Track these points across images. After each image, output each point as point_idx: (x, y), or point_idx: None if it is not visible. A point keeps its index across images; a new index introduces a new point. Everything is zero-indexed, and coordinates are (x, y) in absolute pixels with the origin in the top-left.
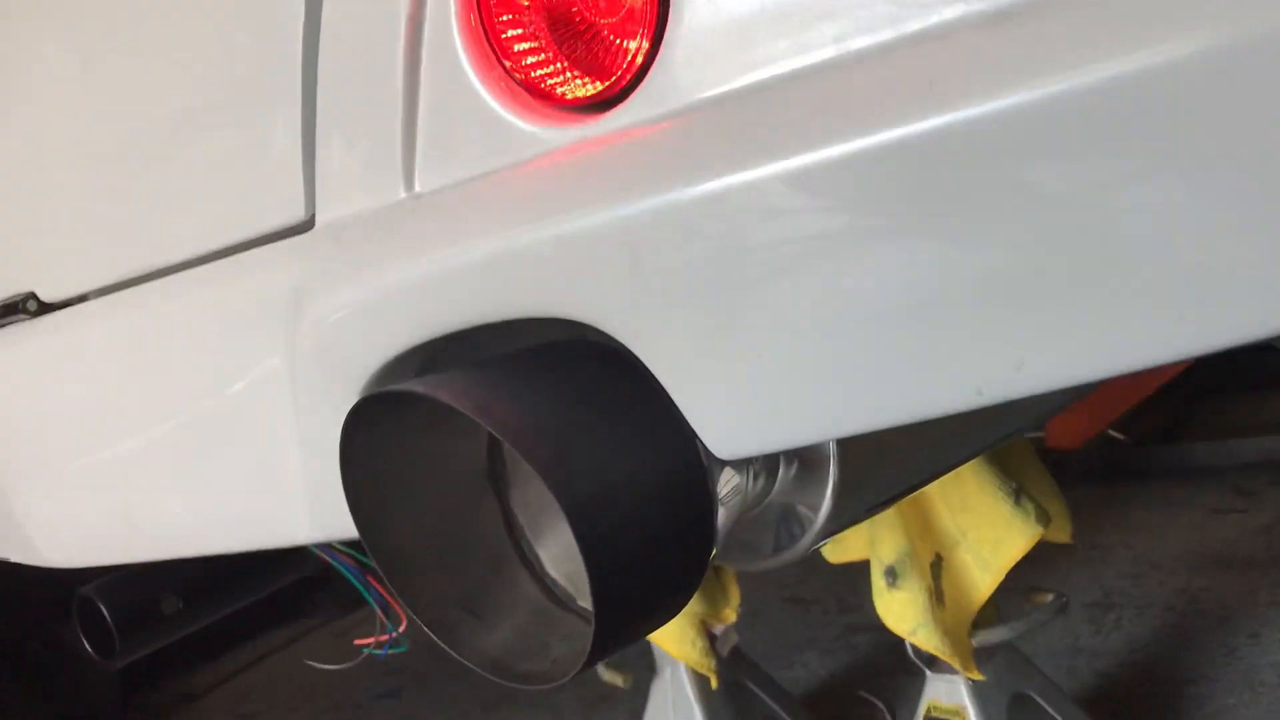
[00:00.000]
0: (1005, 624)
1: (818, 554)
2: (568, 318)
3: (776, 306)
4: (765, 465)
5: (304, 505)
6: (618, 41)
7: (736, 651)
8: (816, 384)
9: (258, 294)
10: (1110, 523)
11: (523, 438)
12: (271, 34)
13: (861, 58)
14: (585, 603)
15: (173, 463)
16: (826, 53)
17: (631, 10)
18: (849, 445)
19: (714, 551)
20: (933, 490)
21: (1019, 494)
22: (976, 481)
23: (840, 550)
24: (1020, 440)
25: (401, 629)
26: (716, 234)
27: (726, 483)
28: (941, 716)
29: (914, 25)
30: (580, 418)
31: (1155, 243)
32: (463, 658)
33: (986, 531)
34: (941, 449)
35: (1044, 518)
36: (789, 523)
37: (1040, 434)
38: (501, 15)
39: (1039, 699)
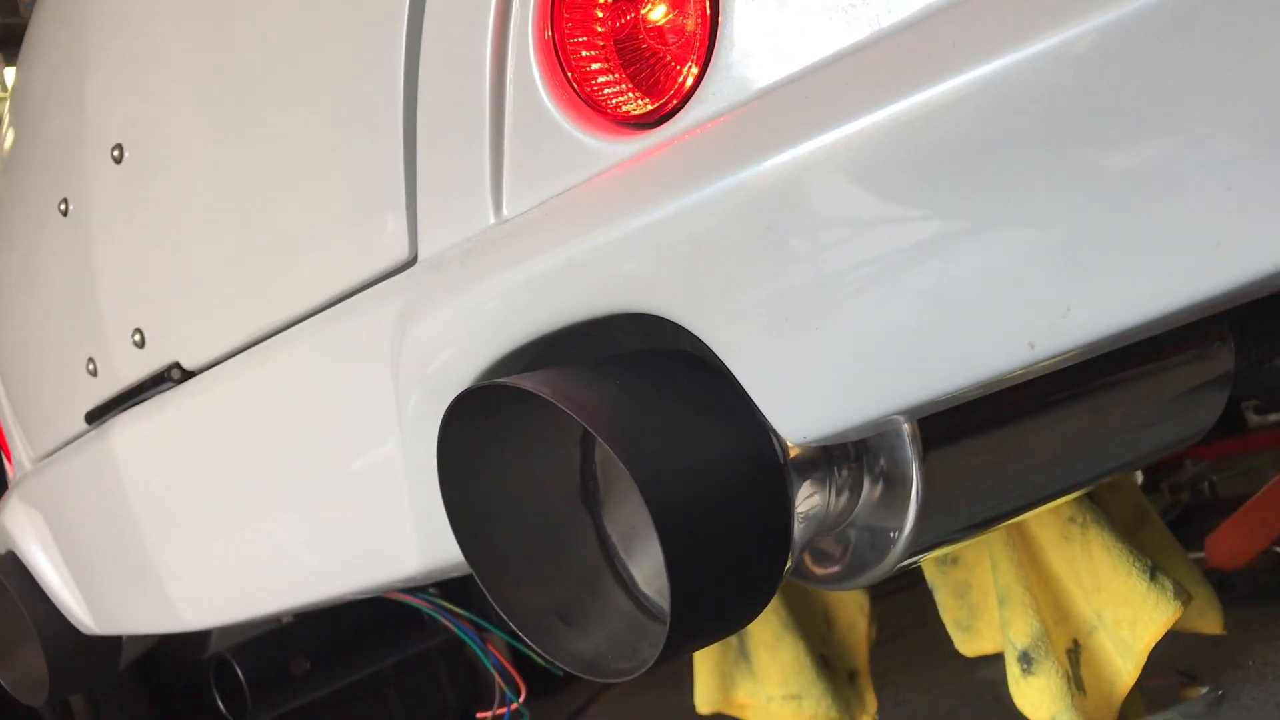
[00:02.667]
0: (1155, 715)
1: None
2: (637, 310)
3: (828, 283)
4: (849, 483)
5: (412, 536)
6: (675, 65)
7: None
8: (875, 356)
9: (367, 331)
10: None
11: (605, 424)
12: (376, 81)
13: (890, 33)
14: None
15: (297, 510)
16: (862, 34)
17: (688, 38)
18: (933, 464)
19: (790, 562)
20: (1064, 572)
21: (1155, 570)
22: (1109, 560)
23: (974, 642)
24: (1157, 524)
25: (521, 699)
26: (763, 216)
27: (807, 498)
28: None
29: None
30: (661, 411)
31: (1178, 176)
32: (555, 660)
33: (1124, 611)
34: (1033, 472)
35: (1183, 594)
36: (873, 543)
37: (1201, 554)
38: (575, 36)
39: None
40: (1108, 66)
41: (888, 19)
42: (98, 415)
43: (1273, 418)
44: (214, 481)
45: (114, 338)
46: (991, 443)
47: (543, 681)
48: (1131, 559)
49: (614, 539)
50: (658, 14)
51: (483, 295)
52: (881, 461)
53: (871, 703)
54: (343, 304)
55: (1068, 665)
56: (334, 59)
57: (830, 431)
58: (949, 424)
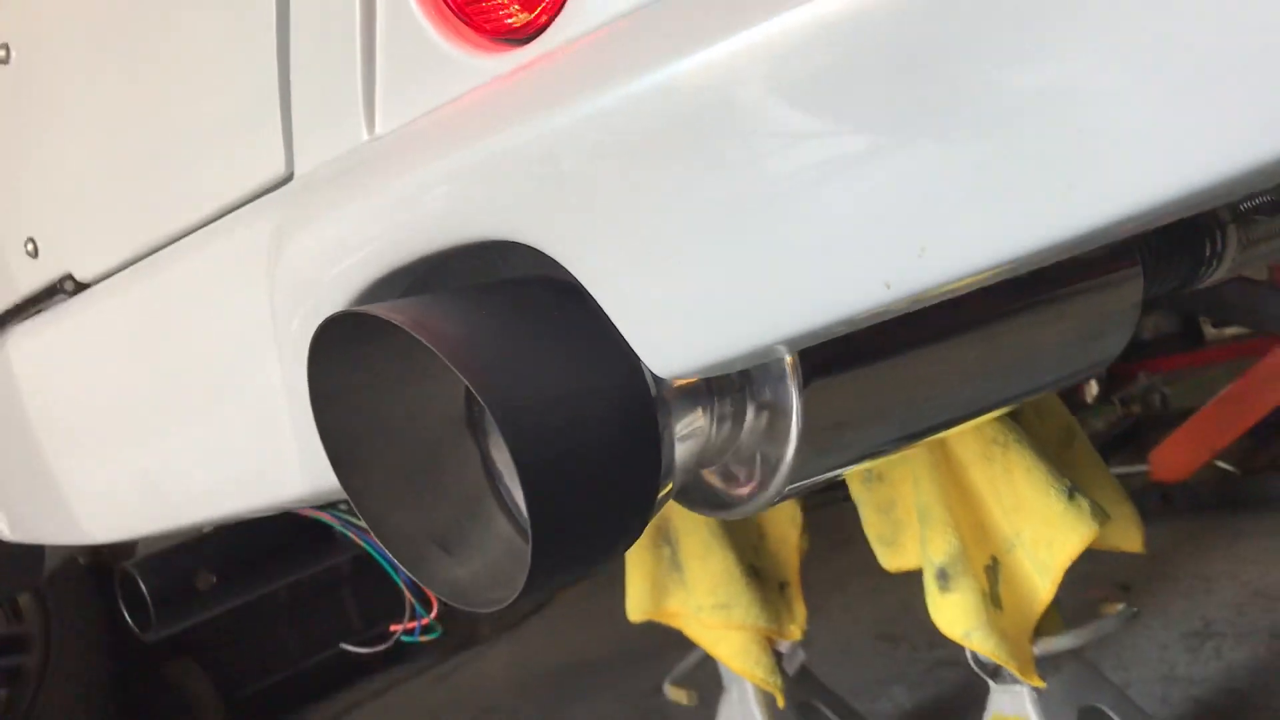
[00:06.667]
0: (1070, 632)
1: (911, 591)
2: (501, 238)
3: (690, 215)
4: (732, 410)
5: (296, 459)
6: None
7: (805, 671)
8: (736, 292)
9: (244, 249)
10: (1217, 554)
11: (460, 354)
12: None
13: None
14: None
15: (186, 429)
16: None
17: None
18: (813, 393)
19: (666, 489)
20: (985, 491)
21: (1073, 491)
22: (1029, 480)
23: (899, 558)
24: (1083, 445)
25: (433, 615)
26: (630, 140)
27: (689, 421)
28: None
29: None
30: (524, 341)
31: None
32: (430, 588)
33: (1042, 531)
34: (923, 401)
35: (1100, 515)
36: (758, 471)
37: (1145, 466)
38: None
39: (1111, 713)
40: None
41: None
42: None
43: (1229, 332)
44: (106, 398)
45: (7, 246)
46: (877, 372)
47: None
48: (1051, 479)
49: (499, 465)
50: None
51: (353, 215)
52: (765, 390)
53: (801, 613)
54: (221, 220)
55: (985, 583)
56: None
57: (696, 367)
58: (831, 353)
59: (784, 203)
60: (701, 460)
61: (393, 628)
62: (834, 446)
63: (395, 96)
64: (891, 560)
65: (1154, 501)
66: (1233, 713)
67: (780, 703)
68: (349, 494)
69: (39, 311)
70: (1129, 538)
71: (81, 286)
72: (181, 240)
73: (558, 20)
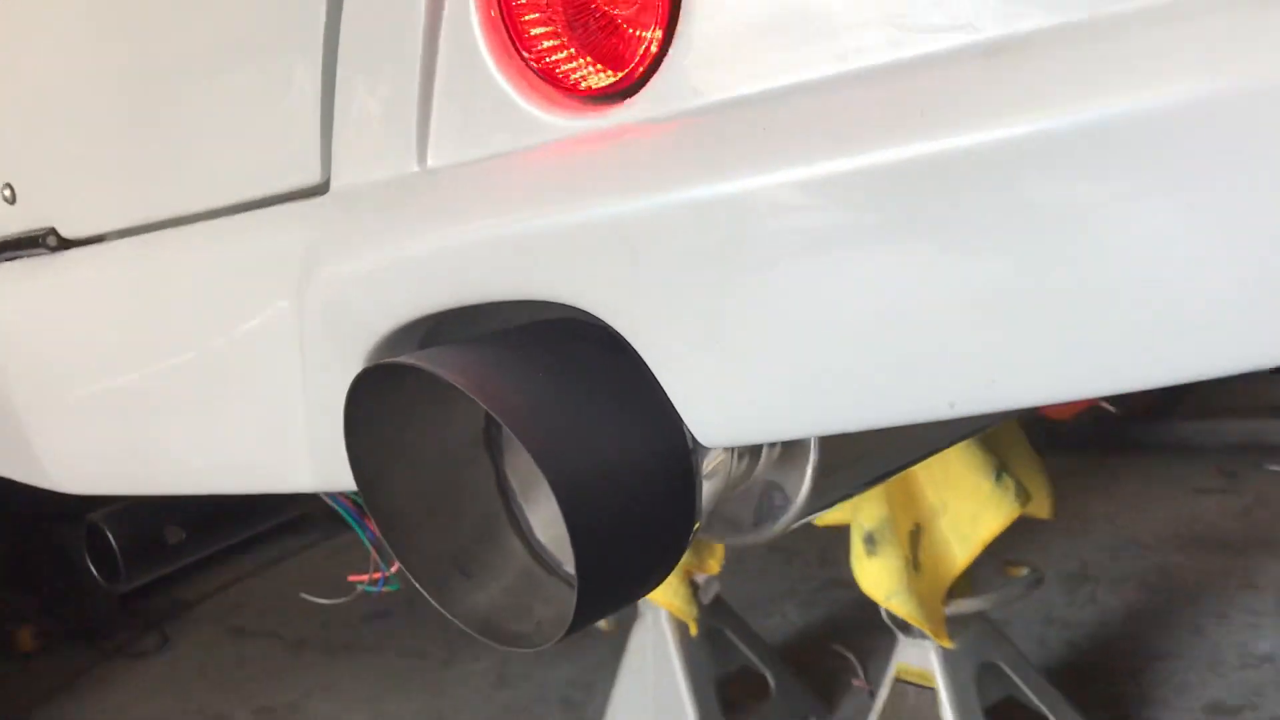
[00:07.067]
0: (979, 595)
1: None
2: (568, 303)
3: (765, 311)
4: (750, 446)
5: (306, 456)
6: (633, 32)
7: (718, 601)
8: (798, 386)
9: (273, 254)
10: (1096, 495)
11: (514, 415)
12: None
13: (862, 77)
14: (571, 569)
15: (182, 405)
16: (829, 69)
17: (645, 3)
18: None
19: (697, 527)
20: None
21: (1001, 472)
22: (960, 458)
23: (828, 513)
24: (1008, 422)
25: (394, 569)
26: (711, 237)
27: (712, 460)
28: (910, 680)
29: (912, 52)
30: (571, 397)
31: (1125, 275)
32: (453, 615)
33: (966, 505)
34: (925, 436)
35: (1024, 496)
36: (771, 500)
37: None
38: (526, 13)
39: (1006, 669)
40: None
41: (860, 59)
42: None
43: None
44: (88, 360)
45: None
46: None
47: None
48: (982, 459)
49: (513, 484)
50: None
51: (403, 254)
52: None
53: (720, 549)
54: (247, 215)
55: (908, 549)
56: None
57: (744, 441)
58: None
59: (871, 322)
60: (723, 495)
61: (350, 578)
62: (840, 482)
63: (452, 132)
64: (820, 517)
65: (1040, 438)
66: (1103, 657)
67: (693, 630)
68: (375, 520)
69: (12, 259)
70: (1041, 507)
71: (67, 243)
72: (195, 224)
73: (642, 92)
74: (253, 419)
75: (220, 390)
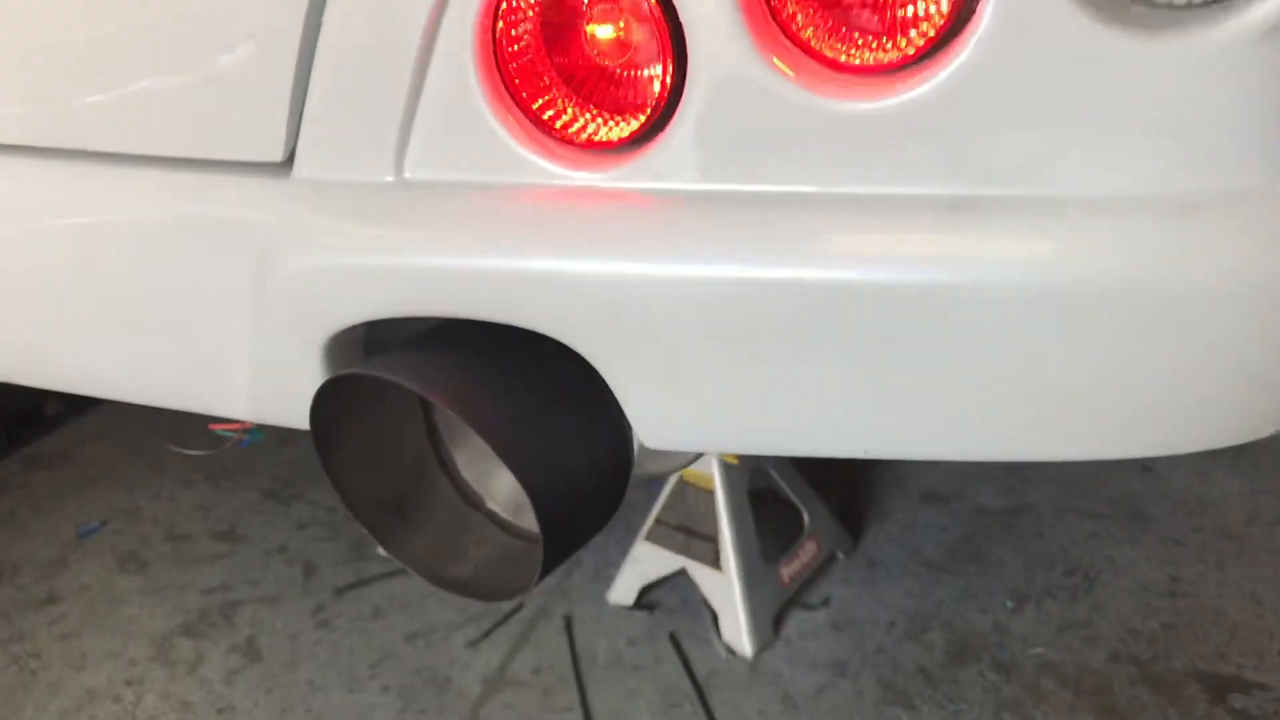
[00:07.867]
0: None
1: None
2: (546, 334)
3: (710, 368)
4: None
5: (244, 390)
6: (637, 74)
7: None
8: (750, 422)
9: (232, 226)
10: None
11: (504, 443)
12: None
13: (836, 201)
14: (494, 505)
15: (99, 315)
16: (809, 188)
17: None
18: None
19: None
20: None
21: None
22: None
23: None
24: None
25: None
26: (683, 307)
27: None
28: (691, 481)
29: (882, 189)
30: (546, 422)
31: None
32: (397, 558)
33: None
34: None
35: None
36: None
37: None
38: (528, 78)
39: (779, 479)
40: None
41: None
42: None
43: None
44: (11, 257)
45: None
46: None
47: None
48: None
49: (440, 428)
50: (605, 32)
51: (384, 264)
52: None
53: None
54: (203, 174)
55: None
56: None
57: (683, 449)
58: None
59: (806, 388)
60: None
61: (211, 426)
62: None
63: (434, 150)
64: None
65: None
66: None
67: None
68: (328, 472)
69: None
70: None
71: None
72: (140, 164)
73: (640, 154)
74: (184, 345)
75: (156, 315)
